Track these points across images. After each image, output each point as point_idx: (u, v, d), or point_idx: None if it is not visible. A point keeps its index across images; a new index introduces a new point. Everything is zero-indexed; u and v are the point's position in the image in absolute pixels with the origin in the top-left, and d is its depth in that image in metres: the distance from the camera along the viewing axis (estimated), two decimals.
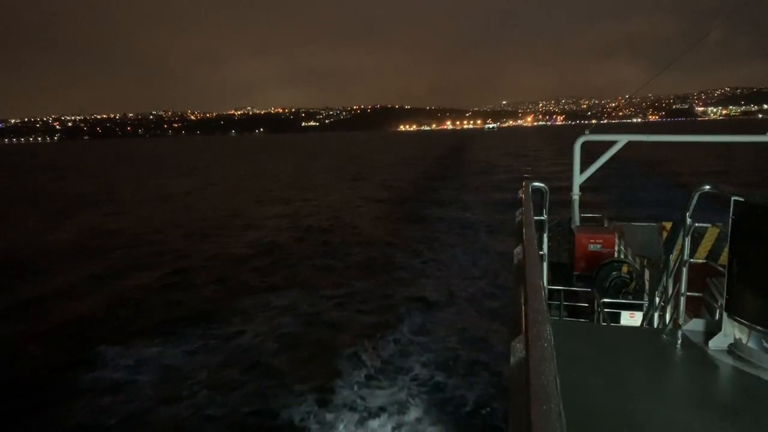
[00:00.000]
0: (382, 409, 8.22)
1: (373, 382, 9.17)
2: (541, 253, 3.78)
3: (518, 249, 2.08)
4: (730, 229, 2.85)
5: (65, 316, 13.44)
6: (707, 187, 3.40)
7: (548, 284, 5.36)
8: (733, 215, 2.82)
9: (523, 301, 1.40)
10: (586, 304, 6.52)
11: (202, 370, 10.06)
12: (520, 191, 3.46)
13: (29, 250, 21.36)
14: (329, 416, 8.16)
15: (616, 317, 6.01)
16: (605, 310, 5.80)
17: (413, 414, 8.08)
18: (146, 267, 18.05)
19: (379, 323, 11.90)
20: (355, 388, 8.96)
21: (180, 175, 59.38)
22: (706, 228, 7.35)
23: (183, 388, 9.44)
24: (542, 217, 3.95)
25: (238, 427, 8.17)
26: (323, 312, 12.96)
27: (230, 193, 40.71)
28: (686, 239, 3.58)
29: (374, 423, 7.90)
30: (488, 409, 8.19)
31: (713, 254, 7.22)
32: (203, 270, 17.43)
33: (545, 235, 4.08)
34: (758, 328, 2.68)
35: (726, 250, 3.00)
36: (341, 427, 7.90)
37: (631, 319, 5.96)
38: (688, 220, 3.56)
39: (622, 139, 8.93)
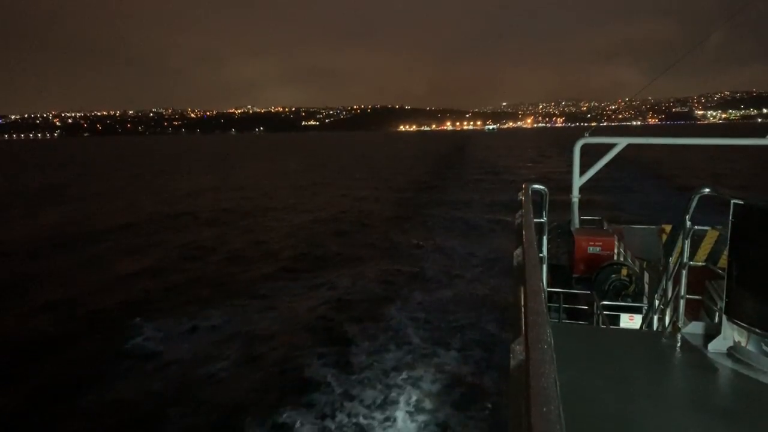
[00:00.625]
0: (394, 369, 9.67)
1: (384, 347, 10.65)
2: (540, 255, 3.77)
3: (518, 251, 2.08)
4: (729, 232, 2.85)
5: (107, 292, 14.85)
6: (707, 189, 3.40)
7: (547, 287, 5.35)
8: (732, 218, 2.82)
9: (522, 303, 1.40)
10: (586, 307, 6.52)
11: (233, 339, 11.32)
12: (519, 193, 3.45)
13: (73, 239, 22.47)
14: (348, 377, 9.48)
15: (616, 320, 6.00)
16: (604, 312, 5.80)
17: (419, 372, 9.52)
18: (176, 254, 19.58)
19: (388, 299, 13.54)
20: (368, 353, 10.41)
21: (198, 173, 60.35)
22: (706, 231, 7.30)
23: (215, 353, 10.65)
24: (542, 220, 3.95)
25: (268, 382, 9.38)
26: (339, 291, 14.48)
27: (247, 188, 41.96)
28: (686, 242, 3.58)
29: (387, 380, 9.27)
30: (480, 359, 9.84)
31: (713, 257, 7.19)
32: (230, 255, 19.07)
33: (545, 238, 4.08)
34: (757, 331, 2.68)
35: (725, 253, 3.00)
36: (357, 384, 9.18)
37: (630, 321, 5.96)
38: (688, 223, 3.55)
39: (622, 142, 8.93)
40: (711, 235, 7.40)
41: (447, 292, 13.97)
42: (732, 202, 2.81)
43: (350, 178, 48.81)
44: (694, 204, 3.52)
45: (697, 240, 7.34)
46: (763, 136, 8.33)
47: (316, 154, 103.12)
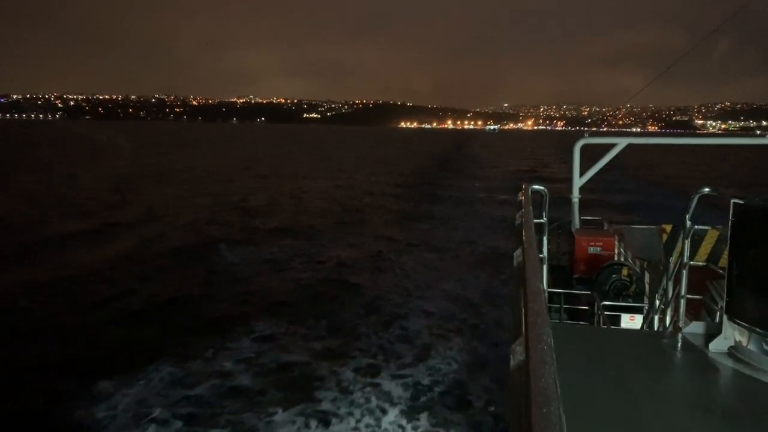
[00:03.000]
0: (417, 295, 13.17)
1: (402, 289, 13.93)
2: (541, 256, 3.77)
3: (518, 252, 2.06)
4: (729, 232, 2.85)
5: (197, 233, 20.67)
6: (707, 189, 3.42)
7: (548, 287, 5.34)
8: (732, 218, 2.82)
9: (523, 304, 1.40)
10: (586, 307, 6.51)
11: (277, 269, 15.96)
12: (519, 194, 3.43)
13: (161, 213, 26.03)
14: (368, 305, 12.60)
15: (617, 320, 5.99)
16: (605, 313, 5.79)
17: (430, 307, 12.32)
18: (231, 214, 25.23)
19: (407, 257, 17.44)
20: (388, 295, 13.43)
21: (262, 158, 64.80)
22: (706, 230, 7.26)
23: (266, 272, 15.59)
24: (542, 220, 3.94)
25: (305, 299, 13.14)
26: (378, 250, 18.44)
27: (287, 175, 45.60)
28: (686, 242, 3.59)
29: (405, 310, 12.18)
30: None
31: (713, 257, 7.17)
32: (279, 225, 23.40)
33: (545, 238, 4.07)
34: (758, 330, 2.68)
35: (726, 252, 3.00)
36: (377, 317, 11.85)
37: (631, 322, 5.96)
38: (688, 223, 3.56)
39: (622, 142, 8.94)
40: (711, 235, 7.37)
41: (456, 251, 18.45)
42: (732, 201, 2.82)
43: (365, 170, 51.41)
44: (694, 204, 3.52)
45: (697, 240, 7.31)
46: (764, 137, 8.42)
47: (332, 146, 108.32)
